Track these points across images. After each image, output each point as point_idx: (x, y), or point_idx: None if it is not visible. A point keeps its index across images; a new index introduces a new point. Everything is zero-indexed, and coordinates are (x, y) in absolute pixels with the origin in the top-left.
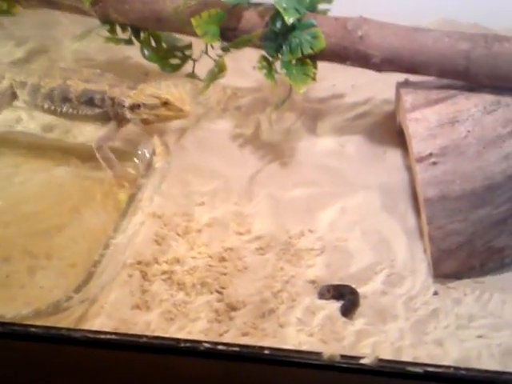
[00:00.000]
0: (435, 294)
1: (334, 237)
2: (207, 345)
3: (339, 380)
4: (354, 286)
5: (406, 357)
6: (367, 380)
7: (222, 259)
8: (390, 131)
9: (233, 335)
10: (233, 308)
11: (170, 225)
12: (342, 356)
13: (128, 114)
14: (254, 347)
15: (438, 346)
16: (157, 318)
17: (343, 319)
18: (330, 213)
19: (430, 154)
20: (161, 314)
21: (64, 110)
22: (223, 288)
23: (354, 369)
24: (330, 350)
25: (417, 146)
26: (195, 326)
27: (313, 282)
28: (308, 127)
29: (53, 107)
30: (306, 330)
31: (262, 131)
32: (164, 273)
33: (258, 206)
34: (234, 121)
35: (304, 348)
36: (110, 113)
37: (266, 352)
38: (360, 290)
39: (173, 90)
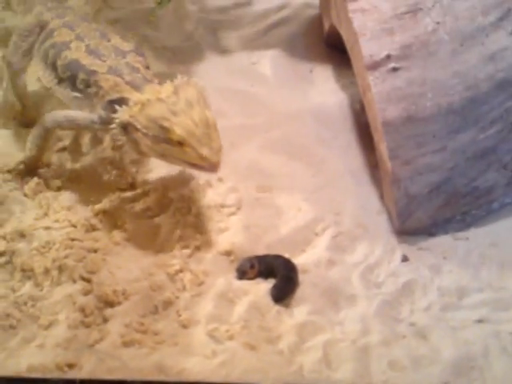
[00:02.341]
0: (404, 259)
1: (253, 186)
2: None
3: None
4: (287, 255)
5: (378, 362)
6: None
7: (91, 228)
8: (315, 42)
9: (109, 346)
10: (108, 303)
11: (14, 180)
12: None
13: (117, 133)
14: None
15: (421, 341)
16: None
17: (276, 307)
18: (246, 153)
19: (388, 57)
20: None
21: (47, 79)
22: (92, 273)
23: None
24: (263, 361)
25: (367, 47)
26: (50, 335)
27: (227, 253)
28: (207, 42)
29: (41, 72)
30: (223, 329)
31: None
32: (0, 255)
33: None
34: None
35: (220, 360)
36: (93, 103)
37: None
38: (297, 262)
39: (196, 109)
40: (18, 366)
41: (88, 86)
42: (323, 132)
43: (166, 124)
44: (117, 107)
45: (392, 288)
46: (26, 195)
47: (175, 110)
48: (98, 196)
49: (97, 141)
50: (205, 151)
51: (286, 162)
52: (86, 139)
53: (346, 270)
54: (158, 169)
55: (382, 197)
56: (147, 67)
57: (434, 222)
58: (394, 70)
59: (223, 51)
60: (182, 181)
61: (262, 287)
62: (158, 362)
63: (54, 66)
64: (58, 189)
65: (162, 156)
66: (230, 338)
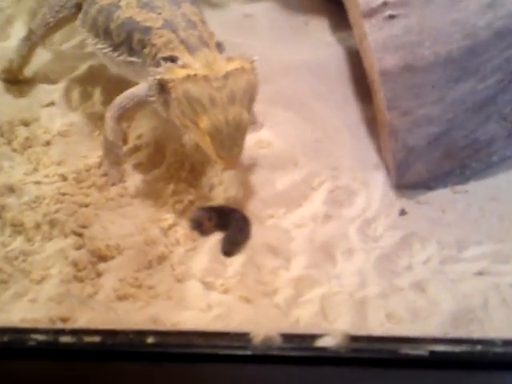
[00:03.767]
0: (402, 213)
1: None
2: (41, 336)
3: (285, 378)
4: (283, 210)
5: (375, 314)
6: (332, 374)
7: (82, 182)
8: None
9: (103, 300)
10: (101, 257)
11: (2, 137)
12: (285, 336)
13: (153, 87)
14: (128, 333)
15: (419, 293)
16: None
17: (273, 262)
18: None
19: (384, 4)
20: None
21: (101, 49)
22: (84, 227)
23: (307, 358)
24: (259, 314)
25: None
26: (42, 290)
27: None
28: None
29: (93, 44)
30: (218, 283)
31: None
32: None
33: None
34: None
35: (216, 313)
36: (147, 68)
37: (150, 341)
38: (294, 216)
39: (235, 106)
40: (9, 320)
41: (144, 46)
42: (319, 86)
43: (198, 109)
44: (161, 62)
45: (390, 241)
46: (14, 150)
47: (215, 99)
48: (88, 151)
49: (86, 96)
50: (223, 153)
51: (282, 116)
52: (75, 94)
53: (343, 224)
54: (149, 123)
55: (379, 150)
56: (204, 22)
57: (433, 175)
58: (391, 17)
59: (215, 4)
60: (175, 135)
61: (259, 241)
62: (153, 316)
63: (106, 32)
64: (48, 143)
65: (185, 128)
66: (226, 291)
